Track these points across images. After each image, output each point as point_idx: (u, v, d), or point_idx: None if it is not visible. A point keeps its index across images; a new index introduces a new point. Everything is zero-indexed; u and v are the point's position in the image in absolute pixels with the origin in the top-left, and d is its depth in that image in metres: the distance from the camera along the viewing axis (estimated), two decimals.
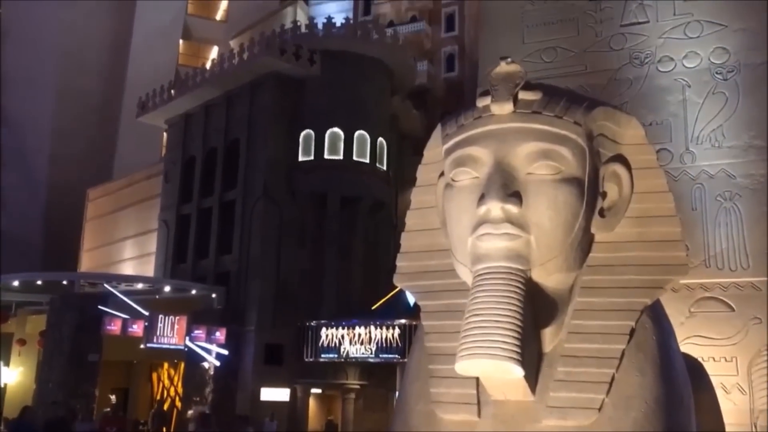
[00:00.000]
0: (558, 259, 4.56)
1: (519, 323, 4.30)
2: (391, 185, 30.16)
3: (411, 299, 21.58)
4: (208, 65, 31.93)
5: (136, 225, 35.15)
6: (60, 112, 42.03)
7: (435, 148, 5.20)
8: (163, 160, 34.81)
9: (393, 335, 24.01)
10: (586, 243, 4.76)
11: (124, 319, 23.45)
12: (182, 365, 27.62)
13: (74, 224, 39.33)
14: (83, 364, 23.93)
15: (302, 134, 28.62)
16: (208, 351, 25.09)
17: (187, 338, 24.42)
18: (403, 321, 23.73)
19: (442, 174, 5.02)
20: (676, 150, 10.15)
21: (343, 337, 25.07)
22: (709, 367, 7.19)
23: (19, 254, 39.27)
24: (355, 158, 28.63)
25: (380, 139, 29.51)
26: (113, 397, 29.52)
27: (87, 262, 38.41)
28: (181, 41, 47.44)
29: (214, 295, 27.25)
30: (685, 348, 6.43)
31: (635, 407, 4.50)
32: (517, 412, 4.67)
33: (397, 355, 23.41)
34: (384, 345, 24.07)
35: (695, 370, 5.99)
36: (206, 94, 30.59)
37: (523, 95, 4.64)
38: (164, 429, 27.05)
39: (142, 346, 24.22)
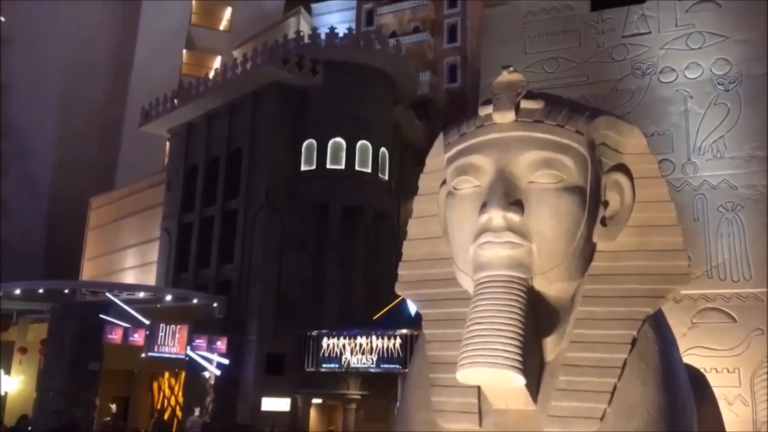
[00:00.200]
0: (560, 267, 4.56)
1: (520, 332, 4.30)
2: (393, 195, 30.17)
3: (412, 309, 21.56)
4: (211, 75, 32.04)
5: (138, 234, 35.19)
6: (63, 120, 42.15)
7: (437, 157, 5.22)
8: (165, 169, 34.88)
9: (394, 345, 23.95)
10: (587, 252, 4.77)
11: (125, 328, 23.42)
12: (183, 374, 27.56)
13: (76, 233, 39.37)
14: (84, 372, 23.87)
15: (304, 144, 28.68)
16: (209, 360, 25.04)
17: (188, 347, 24.38)
18: (404, 331, 23.69)
19: (444, 182, 5.04)
20: (677, 160, 10.16)
21: (344, 346, 25.02)
22: (712, 379, 7.16)
23: (21, 262, 39.29)
24: (357, 168, 28.67)
25: (382, 149, 29.56)
26: (114, 406, 29.42)
27: (89, 271, 38.42)
28: (184, 51, 47.62)
29: (215, 304, 27.22)
30: (687, 359, 6.40)
31: (637, 417, 4.49)
32: (518, 421, 4.66)
33: (398, 365, 23.35)
34: (385, 355, 24.02)
35: (697, 380, 5.98)
36: (209, 104, 30.68)
37: (525, 104, 4.66)
38: None
39: (143, 355, 24.17)
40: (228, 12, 49.84)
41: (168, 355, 24.31)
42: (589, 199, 4.65)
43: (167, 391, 30.66)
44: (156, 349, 23.87)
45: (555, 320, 4.76)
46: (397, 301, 24.20)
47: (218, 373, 25.19)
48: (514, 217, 4.43)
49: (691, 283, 5.01)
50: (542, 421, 4.57)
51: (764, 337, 9.41)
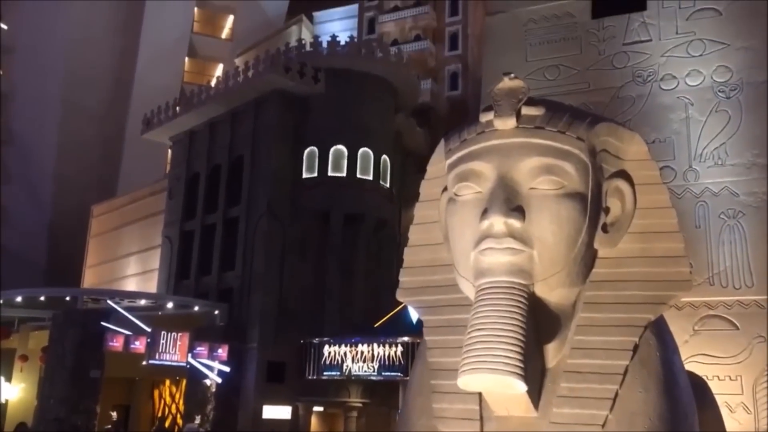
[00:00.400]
0: (561, 274, 4.56)
1: (521, 338, 4.30)
2: (394, 203, 30.18)
3: (414, 317, 21.52)
4: (213, 83, 32.13)
5: (140, 241, 35.21)
6: (65, 128, 42.24)
7: (438, 163, 5.23)
8: (167, 176, 34.91)
9: (396, 353, 23.91)
10: (589, 258, 4.77)
11: (127, 336, 23.39)
12: (184, 382, 27.50)
13: (78, 240, 39.40)
14: (85, 380, 23.83)
15: (306, 151, 28.71)
16: (210, 368, 25.00)
17: (190, 355, 24.33)
18: (405, 339, 23.65)
19: (445, 189, 5.04)
20: (679, 168, 10.18)
21: (345, 354, 24.96)
22: (714, 386, 7.15)
23: (23, 270, 39.33)
24: (358, 175, 28.69)
25: (384, 156, 29.59)
26: (114, 414, 29.36)
27: (90, 278, 38.42)
28: (186, 59, 47.77)
29: (216, 312, 27.18)
30: (689, 367, 6.39)
31: (639, 424, 4.48)
32: (519, 427, 4.64)
33: (399, 373, 23.29)
34: (387, 363, 23.96)
35: (699, 387, 5.95)
36: (211, 112, 30.73)
37: (526, 110, 4.67)
38: None
39: (144, 362, 24.13)
40: (230, 20, 50.02)
41: (169, 363, 24.26)
42: (590, 206, 4.66)
43: (168, 399, 30.60)
44: (157, 357, 23.83)
45: (556, 327, 4.75)
46: (398, 308, 24.15)
47: (219, 380, 25.13)
48: (515, 223, 4.43)
49: (692, 290, 5.01)
50: (543, 428, 4.56)
51: (766, 345, 9.40)
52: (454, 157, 4.86)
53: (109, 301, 25.75)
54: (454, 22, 39.39)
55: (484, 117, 4.80)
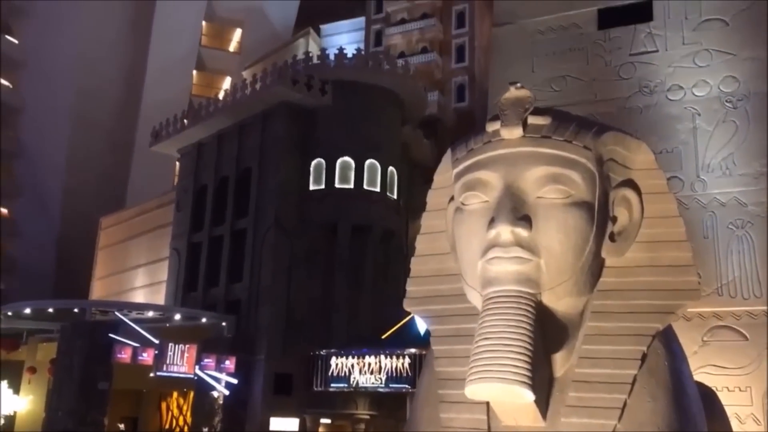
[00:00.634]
0: (568, 283, 4.56)
1: (529, 347, 4.29)
2: (401, 214, 30.17)
3: (421, 328, 21.47)
4: (221, 95, 32.27)
5: (148, 253, 35.29)
6: (74, 141, 42.51)
7: (445, 173, 5.24)
8: (175, 188, 35.03)
9: (403, 365, 23.82)
10: (596, 267, 4.77)
11: (135, 347, 23.39)
12: (191, 394, 27.48)
13: (86, 252, 39.54)
14: (93, 392, 23.82)
15: (313, 163, 28.77)
16: (218, 380, 24.95)
17: (197, 367, 24.30)
18: (413, 350, 23.56)
19: (452, 199, 5.05)
20: (687, 178, 10.16)
21: (352, 366, 24.90)
22: (723, 397, 7.11)
23: (32, 282, 39.49)
24: (365, 187, 28.71)
25: (391, 168, 29.61)
26: (122, 426, 29.33)
27: (98, 290, 38.51)
28: (194, 72, 48.08)
29: (224, 324, 27.17)
30: (698, 378, 6.34)
31: None
32: None
33: (407, 385, 23.20)
34: (394, 374, 23.88)
35: (708, 398, 5.92)
36: (219, 124, 30.86)
37: (532, 120, 4.69)
38: None
39: (151, 374, 24.10)
40: (238, 34, 50.35)
41: (177, 375, 24.23)
42: (598, 215, 4.66)
43: (176, 411, 30.56)
44: (165, 369, 23.80)
45: (564, 336, 4.75)
46: (405, 320, 24.11)
47: (227, 392, 25.09)
48: (522, 232, 4.43)
49: (701, 300, 5.01)
50: None
51: None
52: (461, 167, 4.88)
53: (117, 313, 25.79)
54: (461, 34, 39.53)
55: (491, 126, 4.82)
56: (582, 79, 10.89)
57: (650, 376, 4.62)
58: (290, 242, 27.67)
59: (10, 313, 26.86)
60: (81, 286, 38.17)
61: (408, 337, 23.68)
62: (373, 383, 24.38)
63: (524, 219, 4.45)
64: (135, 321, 25.06)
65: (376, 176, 29.11)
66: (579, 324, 4.81)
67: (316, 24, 45.95)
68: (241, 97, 29.72)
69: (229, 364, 24.84)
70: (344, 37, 43.31)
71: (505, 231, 4.43)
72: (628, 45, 10.83)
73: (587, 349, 4.71)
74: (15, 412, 29.64)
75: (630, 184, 4.94)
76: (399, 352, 23.96)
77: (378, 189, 29.01)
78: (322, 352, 25.76)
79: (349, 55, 29.73)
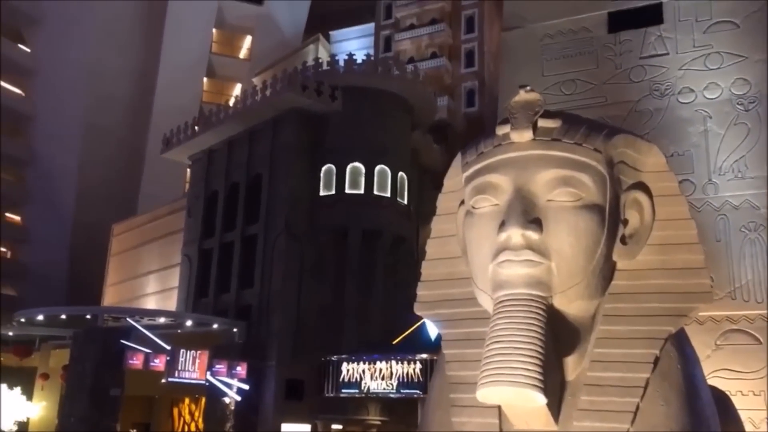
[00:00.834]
0: (579, 286, 4.54)
1: (541, 350, 4.27)
2: (412, 219, 30.15)
3: (432, 333, 21.42)
4: (231, 102, 32.38)
5: (159, 259, 35.42)
6: (86, 148, 42.76)
7: (455, 177, 5.24)
8: (186, 195, 35.16)
9: (414, 370, 23.77)
10: (607, 270, 4.74)
11: (146, 354, 23.45)
12: (203, 400, 27.52)
13: (99, 259, 39.73)
14: (105, 398, 23.90)
15: (323, 169, 28.81)
16: (229, 386, 24.98)
17: (209, 373, 24.34)
18: (424, 356, 23.50)
19: (462, 202, 5.04)
20: (698, 181, 10.11)
21: (363, 372, 24.86)
22: (737, 402, 7.04)
23: (44, 288, 39.74)
24: (376, 192, 28.70)
25: (401, 173, 29.61)
26: None
27: (111, 297, 38.68)
28: (205, 79, 48.30)
29: (235, 330, 27.19)
30: (711, 382, 6.30)
31: None
32: None
33: (418, 390, 23.13)
34: (405, 380, 23.82)
35: (722, 402, 5.89)
36: (229, 130, 30.96)
37: (542, 123, 4.68)
38: None
39: (163, 380, 24.16)
40: (248, 41, 50.58)
41: (188, 381, 24.27)
42: (609, 218, 4.64)
43: (187, 417, 30.62)
44: (176, 375, 23.85)
45: (576, 339, 4.72)
46: (416, 325, 24.06)
47: (238, 398, 25.11)
48: (533, 235, 4.42)
49: (714, 304, 4.99)
50: None
51: None
52: (471, 170, 4.87)
53: (129, 320, 25.86)
54: (470, 39, 39.52)
55: (501, 130, 4.81)
56: (592, 83, 10.87)
57: (663, 380, 4.59)
58: (301, 248, 27.70)
59: (23, 320, 27.02)
60: (93, 292, 38.36)
61: (419, 343, 23.62)
62: (384, 389, 24.33)
63: (535, 222, 4.44)
64: (147, 327, 25.14)
65: (386, 182, 29.11)
66: (591, 327, 4.79)
67: (326, 30, 46.10)
68: (252, 104, 29.82)
69: (241, 370, 24.86)
70: (354, 43, 43.40)
71: (515, 234, 4.42)
72: (639, 48, 10.81)
73: (599, 353, 4.69)
74: (28, 419, 29.78)
75: (641, 186, 4.92)
76: (410, 357, 23.90)
77: (388, 194, 29.01)
78: (333, 358, 25.74)
79: (359, 61, 29.79)
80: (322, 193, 28.69)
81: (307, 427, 26.31)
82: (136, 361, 23.23)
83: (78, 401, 24.15)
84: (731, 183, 9.96)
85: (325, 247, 28.06)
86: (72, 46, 42.55)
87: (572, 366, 4.73)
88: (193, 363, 23.97)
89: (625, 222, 4.84)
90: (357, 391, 24.94)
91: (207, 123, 31.81)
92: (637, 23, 10.90)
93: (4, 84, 43.82)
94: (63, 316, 26.58)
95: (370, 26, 43.91)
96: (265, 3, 49.36)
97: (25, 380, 29.41)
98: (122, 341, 23.67)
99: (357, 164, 28.74)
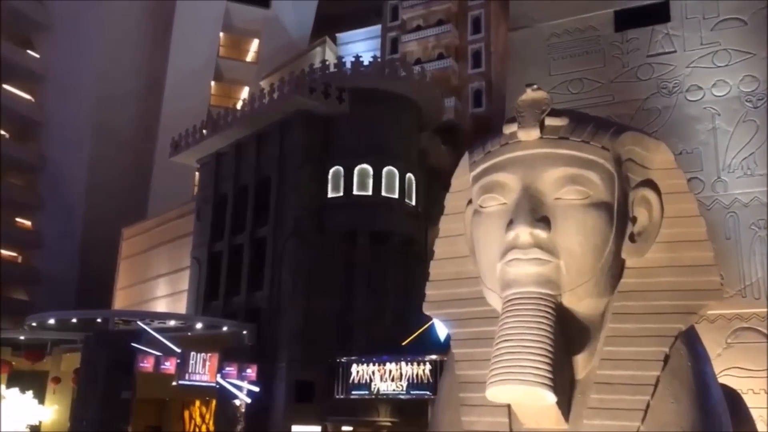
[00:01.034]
0: (588, 284, 4.53)
1: (550, 348, 4.27)
2: (420, 220, 30.16)
3: (441, 334, 21.40)
4: (239, 105, 32.49)
5: (169, 263, 35.59)
6: (95, 153, 43.04)
7: (462, 176, 5.24)
8: (195, 198, 35.33)
9: (424, 371, 23.77)
10: (616, 268, 4.73)
11: (157, 356, 23.58)
12: (214, 402, 27.63)
13: (109, 263, 39.95)
14: (116, 401, 24.07)
15: (331, 171, 28.89)
16: (240, 388, 25.07)
17: (219, 375, 24.45)
18: (433, 357, 23.50)
19: (470, 201, 5.04)
20: (707, 179, 10.04)
21: (373, 373, 24.89)
22: (749, 400, 7.02)
23: (55, 292, 39.97)
24: (384, 194, 28.76)
25: (409, 174, 29.64)
26: None
27: (121, 300, 38.88)
28: (212, 83, 48.53)
29: (245, 332, 27.30)
30: (723, 380, 6.28)
31: None
32: None
33: (428, 392, 23.12)
34: (415, 381, 23.83)
35: (734, 400, 5.85)
36: (237, 134, 31.11)
37: (549, 121, 4.67)
38: None
39: (174, 383, 24.29)
40: (255, 44, 50.74)
41: (199, 383, 24.38)
42: (617, 215, 4.63)
43: (198, 420, 30.71)
44: (187, 378, 23.96)
45: (585, 337, 4.72)
46: (426, 326, 24.05)
47: (249, 400, 25.18)
48: (541, 233, 4.41)
49: (724, 302, 4.97)
50: None
51: None
52: (479, 169, 4.87)
53: (139, 323, 26.00)
54: (477, 39, 39.53)
55: (508, 128, 4.81)
56: (599, 81, 10.83)
57: (673, 377, 4.57)
58: (310, 250, 27.76)
59: (34, 324, 27.21)
60: (104, 296, 38.57)
61: (428, 344, 23.62)
62: (394, 390, 24.35)
63: (543, 220, 4.44)
64: (157, 330, 25.26)
65: (394, 183, 29.14)
66: (600, 325, 4.78)
67: (332, 33, 46.21)
68: (259, 107, 29.93)
69: (251, 372, 24.94)
70: (360, 45, 43.49)
71: (523, 233, 4.42)
72: (646, 46, 10.75)
73: (609, 351, 4.68)
74: (40, 422, 29.96)
75: (649, 184, 4.90)
76: (419, 358, 23.91)
77: (396, 196, 29.04)
78: (342, 360, 25.78)
79: (366, 63, 29.84)
80: (330, 195, 28.76)
81: (318, 428, 26.36)
82: (147, 364, 23.35)
83: (90, 404, 24.32)
84: (740, 180, 9.89)
85: (334, 249, 28.11)
86: (80, 51, 42.82)
87: (582, 364, 4.72)
88: (204, 366, 24.06)
89: (634, 220, 4.83)
90: (367, 392, 24.96)
91: (215, 126, 31.95)
92: (643, 21, 10.84)
93: (14, 90, 44.15)
94: (74, 320, 26.76)
95: (376, 28, 43.99)
96: (272, 6, 49.54)
97: (37, 384, 29.61)
98: (133, 344, 23.81)
99: (365, 166, 28.78)
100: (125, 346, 23.98)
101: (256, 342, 27.12)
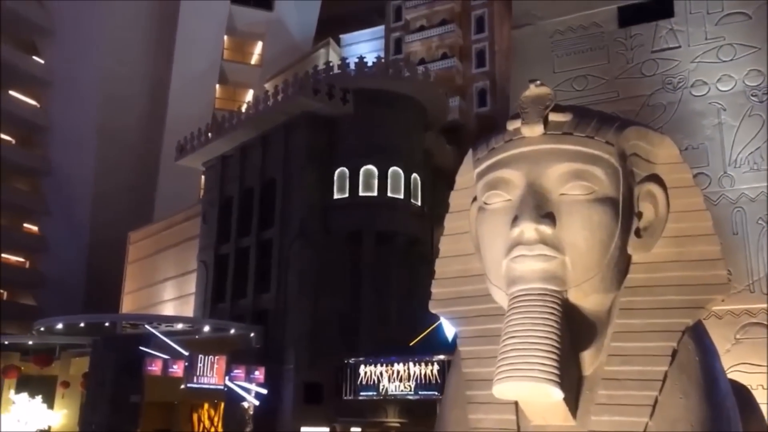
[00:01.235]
0: (594, 279, 4.50)
1: (556, 345, 4.24)
2: (426, 220, 30.14)
3: (449, 334, 21.36)
4: (243, 108, 32.54)
5: (176, 266, 35.66)
6: (101, 157, 43.18)
7: (467, 174, 5.22)
8: (201, 201, 35.40)
9: (432, 371, 23.74)
10: (623, 264, 4.71)
11: (165, 360, 23.63)
12: (222, 405, 27.67)
13: (116, 267, 40.07)
14: (125, 405, 24.11)
15: (337, 172, 28.90)
16: (248, 390, 25.09)
17: (227, 378, 24.48)
18: (441, 357, 23.47)
19: (474, 199, 5.02)
20: (713, 174, 10.03)
21: (381, 374, 24.87)
22: (758, 395, 6.97)
23: (63, 297, 40.11)
24: (389, 195, 28.76)
25: (414, 174, 29.64)
26: None
27: (128, 304, 38.98)
28: (217, 86, 48.61)
29: (252, 334, 27.34)
30: (732, 376, 6.24)
31: (680, 431, 4.39)
32: None
33: (436, 392, 23.07)
34: (423, 381, 23.80)
35: (742, 394, 5.82)
36: (242, 136, 31.16)
37: (553, 117, 4.64)
38: None
39: (182, 386, 24.33)
40: (259, 47, 50.81)
41: (207, 386, 24.41)
42: (622, 211, 4.59)
43: (207, 422, 30.75)
44: (195, 380, 24.00)
45: (592, 333, 4.68)
46: (433, 326, 24.00)
47: (257, 402, 25.21)
48: (546, 229, 4.38)
49: (733, 298, 4.95)
50: None
51: None
52: (483, 166, 4.84)
53: (147, 326, 26.06)
54: (480, 39, 39.46)
55: (512, 125, 4.79)
56: (604, 78, 10.83)
57: (681, 372, 4.54)
58: (316, 251, 27.77)
59: (42, 329, 27.31)
60: (111, 300, 38.68)
61: (436, 344, 23.58)
62: (402, 391, 24.32)
63: (548, 216, 4.40)
64: (165, 334, 25.32)
65: (399, 183, 29.13)
66: (607, 321, 4.74)
67: (336, 34, 46.21)
68: (264, 109, 29.97)
69: (259, 374, 24.97)
70: (364, 46, 43.49)
71: (528, 229, 4.39)
72: (650, 42, 10.74)
73: (616, 347, 4.65)
74: (49, 427, 30.06)
75: (655, 178, 4.86)
76: (427, 359, 23.88)
77: (402, 196, 29.02)
78: (350, 361, 25.77)
79: (370, 64, 29.84)
80: (336, 196, 28.77)
81: (326, 430, 26.36)
82: (155, 368, 23.40)
83: (98, 408, 24.37)
84: (747, 175, 9.87)
85: (340, 250, 28.11)
86: (85, 56, 42.98)
87: (589, 361, 4.69)
88: (212, 368, 24.10)
89: (640, 215, 4.79)
90: (375, 393, 24.95)
91: (220, 129, 32.02)
92: (647, 17, 10.84)
93: (19, 96, 44.35)
94: (82, 325, 26.84)
95: (380, 29, 43.98)
96: (275, 9, 49.61)
97: (46, 389, 29.70)
98: (141, 348, 23.88)
99: (370, 167, 28.78)
100: (133, 349, 24.04)
101: (264, 344, 27.16)
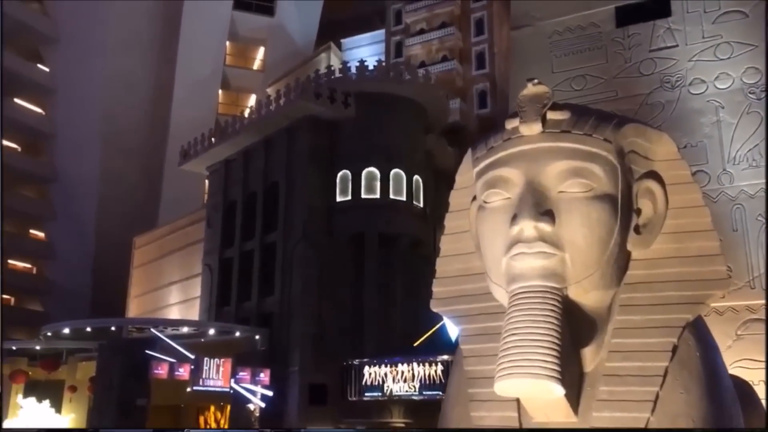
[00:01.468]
0: (594, 276, 4.54)
1: (557, 341, 4.28)
2: (428, 222, 30.16)
3: (452, 334, 21.40)
4: (246, 113, 32.67)
5: (181, 270, 35.73)
6: (106, 163, 43.27)
7: (466, 173, 5.27)
8: (205, 206, 35.47)
9: (436, 372, 23.77)
10: (622, 260, 4.74)
11: (171, 363, 23.69)
12: (228, 407, 27.72)
13: (122, 271, 40.15)
14: (132, 408, 24.19)
15: (339, 175, 28.95)
16: (253, 392, 25.14)
17: (233, 380, 24.53)
18: (445, 357, 23.49)
19: (474, 198, 5.07)
20: (713, 171, 10.06)
21: (386, 375, 24.91)
22: (760, 391, 7.01)
23: (69, 302, 40.24)
24: (391, 197, 28.80)
25: (416, 176, 29.67)
26: None
27: (134, 308, 39.06)
28: (220, 91, 48.68)
29: (257, 337, 27.39)
30: (734, 372, 6.29)
31: (681, 426, 4.42)
32: None
33: (441, 392, 23.10)
34: (427, 382, 23.84)
35: (744, 390, 5.85)
36: (245, 141, 31.23)
37: (551, 115, 4.69)
38: None
39: (188, 389, 24.40)
40: (261, 52, 50.91)
41: (213, 389, 24.48)
42: (621, 207, 4.63)
43: (213, 425, 30.82)
44: (201, 383, 24.08)
45: (592, 330, 4.72)
46: (437, 326, 24.08)
47: (263, 405, 25.26)
48: (545, 227, 4.42)
49: (733, 294, 4.98)
50: None
51: None
52: (482, 165, 4.89)
53: (153, 330, 26.13)
54: (480, 41, 39.51)
55: (510, 123, 4.83)
56: (602, 77, 10.87)
57: (682, 368, 4.57)
58: (319, 254, 27.83)
59: (49, 334, 27.40)
60: (117, 304, 38.78)
61: (440, 344, 23.64)
62: (406, 391, 24.37)
63: (547, 214, 4.45)
64: (171, 337, 25.39)
65: (401, 185, 29.19)
66: (607, 318, 4.78)
67: (337, 38, 46.29)
68: (266, 113, 30.06)
69: (264, 376, 25.03)
70: (365, 50, 43.55)
71: (528, 226, 4.43)
72: (648, 41, 10.79)
73: (617, 343, 4.69)
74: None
75: (653, 175, 4.90)
76: (431, 359, 23.92)
77: (404, 198, 29.08)
78: (354, 362, 25.82)
79: (371, 67, 29.92)
80: (338, 199, 28.84)
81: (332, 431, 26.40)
82: (161, 371, 23.48)
83: (106, 412, 24.47)
84: (746, 172, 9.90)
85: (344, 252, 28.18)
86: (88, 63, 43.12)
87: (590, 357, 4.73)
88: (217, 371, 24.18)
89: (638, 211, 4.83)
90: (380, 394, 24.99)
91: (223, 134, 32.12)
92: (645, 17, 10.89)
93: (24, 104, 44.55)
94: (88, 329, 26.92)
95: (380, 33, 44.05)
96: (277, 14, 49.70)
97: (53, 393, 29.81)
98: (147, 352, 23.95)
99: (372, 169, 28.84)
100: (140, 353, 24.12)
101: (269, 346, 27.21)
